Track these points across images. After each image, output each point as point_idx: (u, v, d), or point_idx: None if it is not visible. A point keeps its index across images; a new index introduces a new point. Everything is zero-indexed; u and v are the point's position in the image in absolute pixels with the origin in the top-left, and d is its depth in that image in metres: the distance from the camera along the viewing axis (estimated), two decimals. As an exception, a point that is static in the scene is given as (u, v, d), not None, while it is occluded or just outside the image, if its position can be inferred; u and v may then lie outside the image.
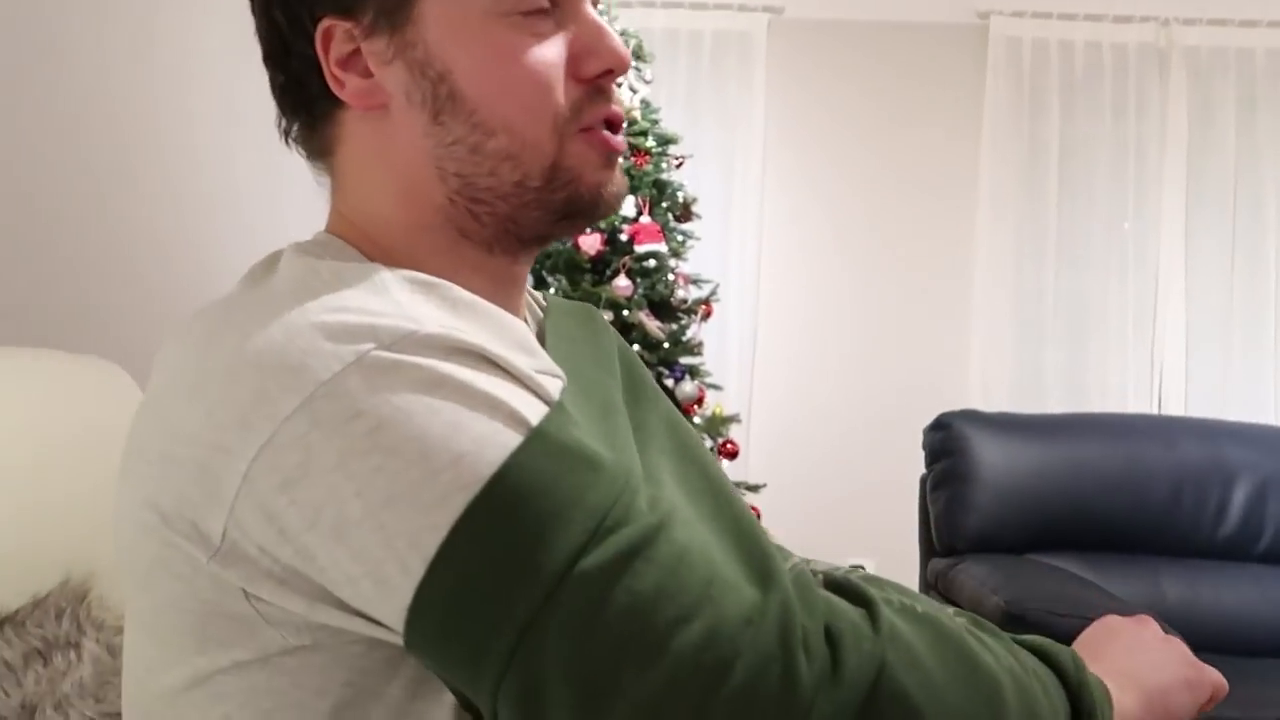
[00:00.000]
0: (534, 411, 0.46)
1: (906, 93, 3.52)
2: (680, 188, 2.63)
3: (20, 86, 1.23)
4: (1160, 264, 3.41)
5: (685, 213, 2.64)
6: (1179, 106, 3.41)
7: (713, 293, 2.69)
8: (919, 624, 0.48)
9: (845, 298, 3.52)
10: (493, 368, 0.47)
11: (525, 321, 0.62)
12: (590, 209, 0.57)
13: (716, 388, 2.62)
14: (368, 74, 0.55)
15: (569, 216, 0.57)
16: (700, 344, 2.58)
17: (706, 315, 2.63)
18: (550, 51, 0.55)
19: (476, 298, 0.51)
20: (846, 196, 3.53)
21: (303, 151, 0.60)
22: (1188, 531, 2.14)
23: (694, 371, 2.55)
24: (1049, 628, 1.57)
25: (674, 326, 2.53)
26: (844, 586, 0.51)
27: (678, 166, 2.69)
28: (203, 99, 1.68)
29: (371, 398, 0.43)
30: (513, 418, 0.45)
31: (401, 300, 0.48)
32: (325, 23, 0.55)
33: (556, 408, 0.47)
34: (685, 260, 2.63)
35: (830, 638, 0.45)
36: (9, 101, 1.21)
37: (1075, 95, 3.43)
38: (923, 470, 2.33)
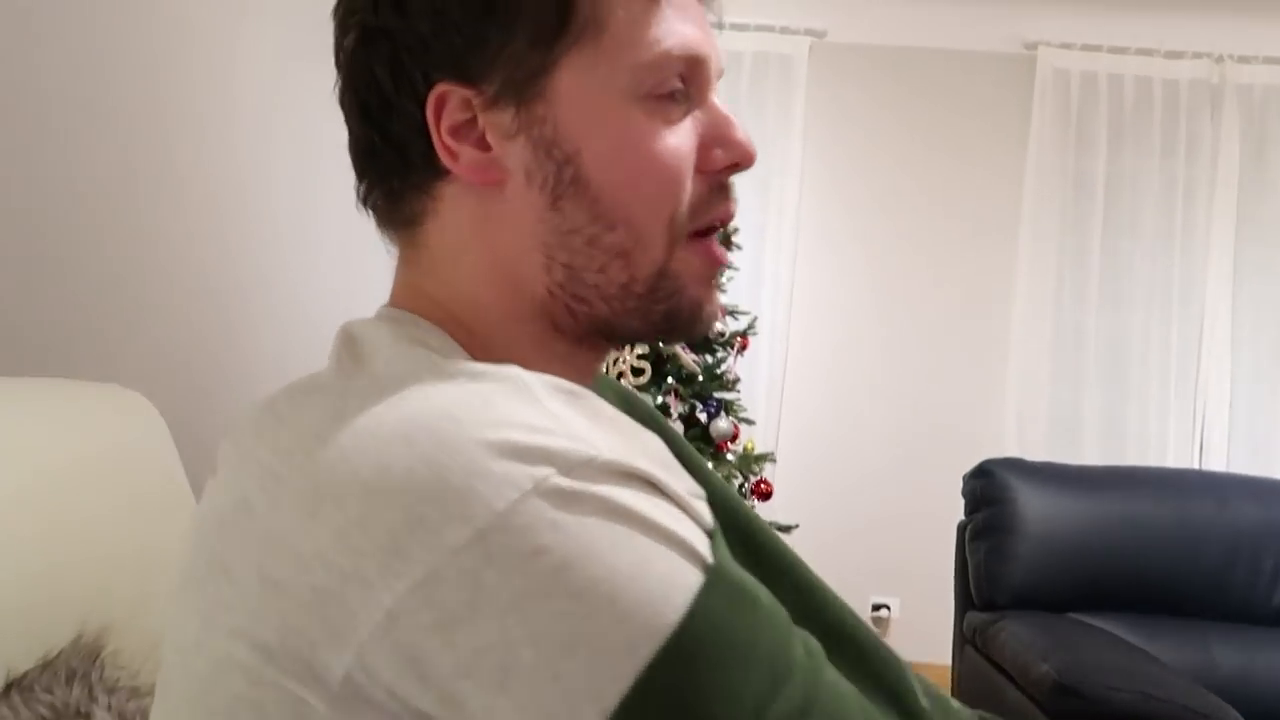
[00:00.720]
0: (702, 543, 0.42)
1: (949, 123, 3.45)
2: (719, 215, 2.57)
3: (50, 96, 1.19)
4: (1206, 307, 3.32)
5: (724, 243, 2.57)
6: (1231, 145, 3.32)
7: (750, 325, 2.62)
8: None
9: (879, 332, 3.44)
10: (660, 494, 0.42)
11: None
12: (688, 326, 0.53)
13: (749, 422, 2.55)
14: (484, 146, 0.50)
15: (665, 331, 0.53)
16: (736, 379, 2.51)
17: (742, 348, 2.57)
18: (684, 141, 0.51)
19: (615, 410, 0.46)
20: (884, 228, 3.46)
21: (379, 219, 0.54)
22: (1242, 596, 2.05)
23: (728, 407, 2.48)
24: (1105, 702, 1.49)
25: (709, 359, 2.46)
26: None
27: (717, 193, 2.62)
28: (242, 111, 1.64)
29: (555, 532, 0.38)
30: (691, 553, 0.41)
31: (557, 412, 0.42)
32: (440, 87, 0.49)
33: (715, 537, 0.43)
34: (723, 291, 2.57)
35: None
36: (40, 112, 1.17)
37: (1123, 130, 3.35)
38: (954, 510, 2.26)
